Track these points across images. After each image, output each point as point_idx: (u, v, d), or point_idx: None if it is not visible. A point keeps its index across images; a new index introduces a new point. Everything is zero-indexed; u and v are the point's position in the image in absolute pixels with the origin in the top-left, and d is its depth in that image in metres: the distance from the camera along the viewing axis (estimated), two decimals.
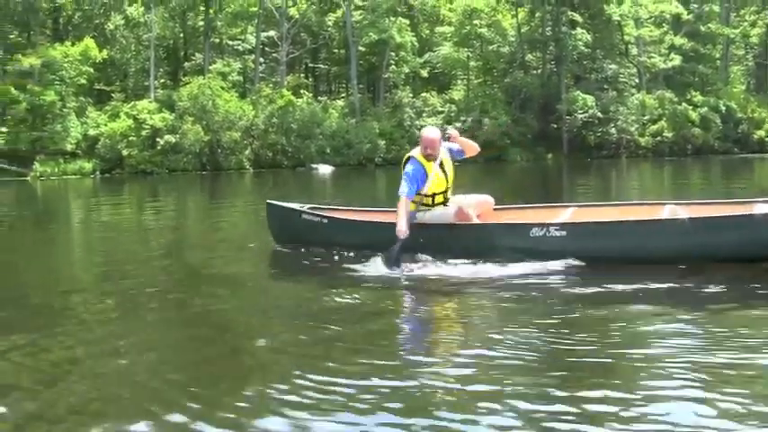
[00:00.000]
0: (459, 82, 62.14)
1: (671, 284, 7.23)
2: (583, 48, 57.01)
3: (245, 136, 46.99)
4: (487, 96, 56.77)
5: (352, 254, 9.11)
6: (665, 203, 9.49)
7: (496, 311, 6.76)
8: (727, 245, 7.90)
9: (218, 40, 57.59)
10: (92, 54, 45.19)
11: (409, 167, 8.98)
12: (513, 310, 6.61)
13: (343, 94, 64.11)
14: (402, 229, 8.59)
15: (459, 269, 8.18)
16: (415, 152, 9.10)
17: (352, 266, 8.61)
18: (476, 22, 57.22)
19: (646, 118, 57.98)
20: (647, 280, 7.36)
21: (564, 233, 8.34)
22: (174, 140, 44.04)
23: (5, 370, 5.25)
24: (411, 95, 56.12)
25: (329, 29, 60.48)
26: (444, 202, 9.21)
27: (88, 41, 45.48)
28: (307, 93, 54.91)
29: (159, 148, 44.22)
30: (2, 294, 8.32)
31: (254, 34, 55.51)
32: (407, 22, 57.34)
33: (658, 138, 57.33)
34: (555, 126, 57.00)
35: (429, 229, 9.00)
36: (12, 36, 49.09)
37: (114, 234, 15.31)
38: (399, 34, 54.81)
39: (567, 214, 9.60)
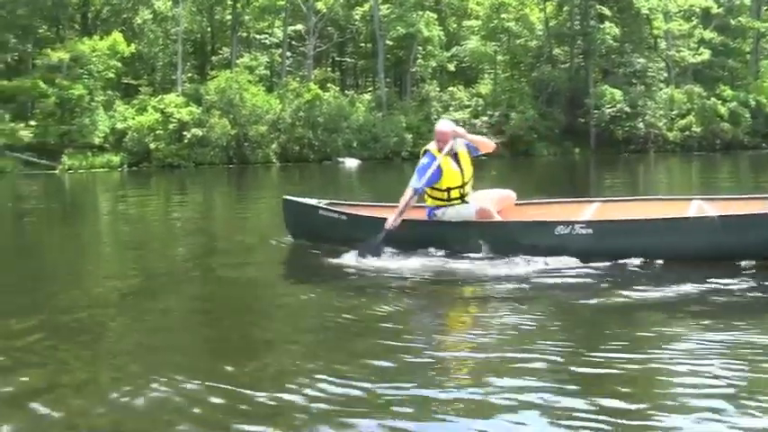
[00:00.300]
0: (486, 76, 61.78)
1: (701, 284, 7.01)
2: (611, 42, 56.51)
3: (272, 130, 47.01)
4: (515, 90, 56.55)
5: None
6: (691, 199, 9.22)
7: (517, 312, 6.48)
8: (760, 243, 7.68)
9: (245, 34, 57.70)
10: (120, 48, 45.34)
11: (421, 161, 8.99)
12: (533, 311, 6.38)
13: (369, 88, 64.05)
14: (390, 221, 8.59)
15: (482, 267, 8.02)
16: (432, 146, 9.05)
17: (338, 260, 8.61)
18: (503, 15, 56.98)
19: (674, 112, 57.57)
20: (676, 280, 7.15)
21: (590, 231, 8.16)
22: (201, 134, 44.13)
23: (24, 349, 5.48)
24: (438, 89, 56.08)
25: (356, 23, 60.44)
26: (462, 198, 9.00)
27: (116, 36, 45.64)
28: (334, 86, 54.92)
29: (186, 141, 44.31)
30: (26, 282, 8.47)
31: (282, 28, 55.56)
32: (435, 15, 57.18)
33: (687, 132, 56.89)
34: (582, 120, 56.62)
35: (448, 226, 8.88)
36: (41, 30, 49.37)
37: (139, 226, 15.42)
38: (427, 28, 54.67)
39: (592, 210, 9.32)
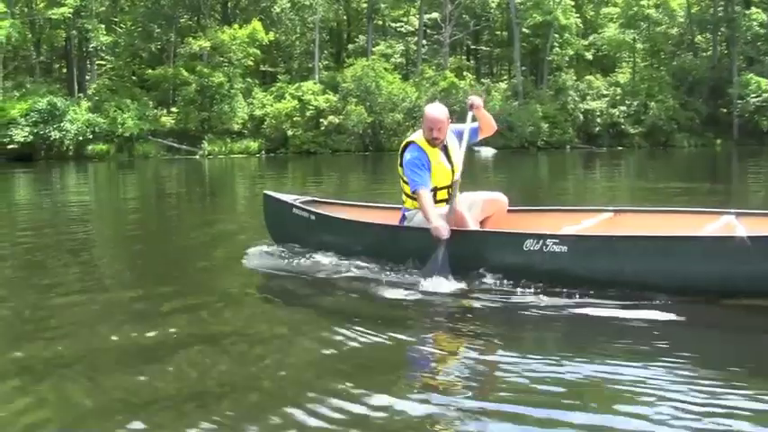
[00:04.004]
0: (624, 64, 60.77)
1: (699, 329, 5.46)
2: (757, 28, 54.81)
3: (408, 117, 47.10)
4: (654, 79, 55.43)
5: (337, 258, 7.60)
6: (723, 212, 7.21)
7: (457, 341, 5.31)
8: None
9: (380, 22, 58.07)
10: (259, 36, 46.12)
11: (408, 156, 7.25)
12: (481, 339, 5.21)
13: (505, 77, 63.61)
14: (440, 228, 6.73)
15: (427, 286, 6.50)
16: (417, 136, 7.34)
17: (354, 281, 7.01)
18: (643, 2, 55.84)
19: None
20: (665, 319, 5.47)
21: (564, 248, 6.41)
22: (337, 121, 44.68)
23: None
24: (575, 78, 55.27)
25: (492, 10, 60.04)
26: (448, 200, 7.25)
27: (255, 24, 46.43)
28: (469, 75, 54.70)
29: (323, 128, 44.94)
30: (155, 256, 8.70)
31: (417, 16, 55.64)
32: (572, 3, 56.44)
33: None
34: (725, 111, 55.10)
35: (409, 233, 7.39)
36: (182, 20, 50.53)
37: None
38: (564, 16, 54.10)
39: (595, 221, 7.56)
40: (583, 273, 6.33)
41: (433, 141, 7.15)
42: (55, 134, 39.37)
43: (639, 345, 4.90)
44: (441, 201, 7.21)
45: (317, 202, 8.92)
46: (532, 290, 6.29)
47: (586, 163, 34.65)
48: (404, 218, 7.47)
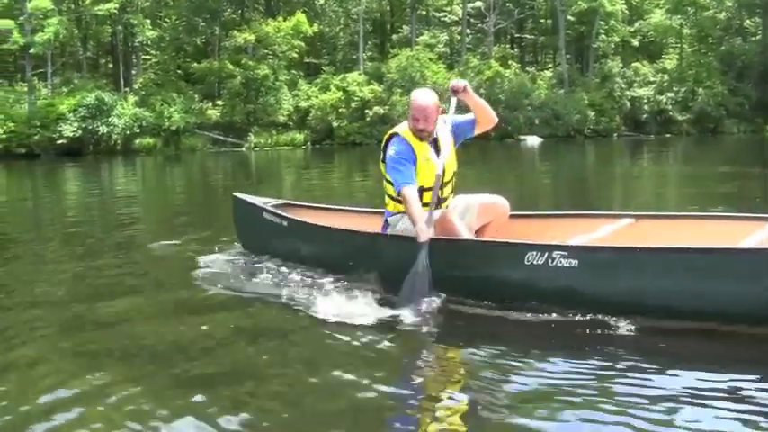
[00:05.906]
0: (671, 50, 60.09)
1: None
2: None
3: None
4: (702, 65, 54.61)
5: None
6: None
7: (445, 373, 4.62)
8: None
9: (424, 12, 57.83)
10: (303, 28, 46.16)
11: (391, 150, 6.15)
12: (472, 375, 4.49)
13: (549, 65, 63.18)
14: (423, 230, 5.73)
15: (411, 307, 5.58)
16: (402, 127, 6.28)
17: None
18: None
19: None
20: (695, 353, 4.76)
21: (574, 263, 5.27)
22: (382, 112, 44.50)
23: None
24: (621, 65, 54.73)
25: None
26: (438, 204, 6.20)
27: (299, 16, 46.47)
28: (514, 63, 54.37)
29: (368, 119, 44.86)
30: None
31: (461, 5, 55.40)
32: None
33: None
34: None
35: (391, 242, 6.38)
36: (226, 13, 50.72)
37: (319, 198, 15.59)
38: (609, 2, 53.45)
39: (612, 229, 6.36)
40: (597, 293, 5.23)
41: (419, 133, 6.10)
42: (103, 129, 39.73)
43: (668, 386, 4.10)
44: (425, 205, 6.06)
45: (290, 205, 8.14)
46: (535, 312, 5.31)
47: (634, 151, 34.31)
48: (386, 224, 6.47)
